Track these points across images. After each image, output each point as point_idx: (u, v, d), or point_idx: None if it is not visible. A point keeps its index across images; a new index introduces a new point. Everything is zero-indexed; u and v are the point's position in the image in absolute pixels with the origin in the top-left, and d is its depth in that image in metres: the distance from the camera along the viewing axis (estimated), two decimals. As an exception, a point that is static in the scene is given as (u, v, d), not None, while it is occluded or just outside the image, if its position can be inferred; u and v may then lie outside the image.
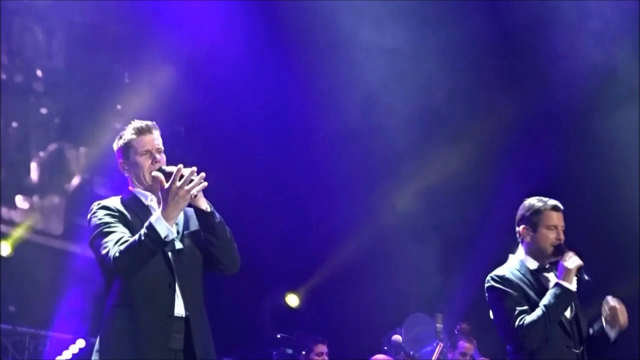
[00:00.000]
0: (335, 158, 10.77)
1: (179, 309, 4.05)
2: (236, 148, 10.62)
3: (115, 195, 4.28)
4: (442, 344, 7.59)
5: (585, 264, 4.68)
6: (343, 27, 10.42)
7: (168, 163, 4.21)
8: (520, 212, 4.84)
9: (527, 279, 4.72)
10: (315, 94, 10.69)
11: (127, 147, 4.23)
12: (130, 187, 4.26)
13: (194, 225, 4.19)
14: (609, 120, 9.77)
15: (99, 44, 10.50)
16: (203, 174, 3.98)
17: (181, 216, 4.15)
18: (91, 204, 4.22)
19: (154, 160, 4.19)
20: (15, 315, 9.52)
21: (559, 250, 4.72)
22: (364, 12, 10.44)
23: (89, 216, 4.17)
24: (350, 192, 10.75)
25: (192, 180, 3.94)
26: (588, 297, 4.85)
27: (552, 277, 4.76)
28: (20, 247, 9.60)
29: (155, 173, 4.10)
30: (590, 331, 4.80)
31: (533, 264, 4.77)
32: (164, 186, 3.96)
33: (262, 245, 9.71)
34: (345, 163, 10.74)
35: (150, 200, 4.21)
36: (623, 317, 4.71)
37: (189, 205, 4.06)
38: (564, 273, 4.63)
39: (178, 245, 4.11)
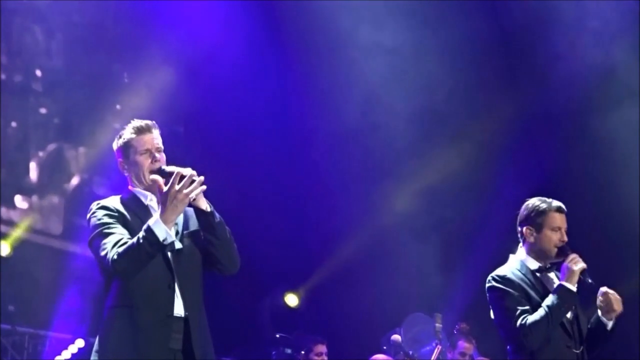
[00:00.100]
0: (335, 158, 10.77)
1: (179, 309, 4.04)
2: (236, 148, 10.62)
3: (115, 194, 4.27)
4: (440, 345, 7.59)
5: (585, 264, 4.67)
6: (343, 27, 10.43)
7: (168, 163, 4.20)
8: (523, 212, 4.81)
9: (528, 279, 4.71)
10: (315, 94, 10.70)
11: (126, 146, 4.22)
12: (130, 187, 4.25)
13: (194, 225, 4.18)
14: (608, 120, 9.76)
15: (99, 44, 10.49)
16: (202, 178, 3.97)
17: (181, 216, 4.13)
18: (90, 204, 4.21)
19: (154, 160, 4.18)
20: (14, 315, 9.50)
21: (563, 252, 4.71)
22: (364, 12, 10.45)
23: (88, 216, 4.16)
24: (350, 192, 10.75)
25: (191, 183, 3.93)
26: (589, 298, 4.84)
27: (553, 277, 4.76)
28: (19, 247, 9.59)
29: (153, 176, 4.09)
30: (589, 326, 4.79)
31: (534, 264, 4.76)
32: (162, 189, 3.95)
33: (262, 245, 9.71)
34: (345, 163, 10.74)
35: (149, 199, 4.20)
36: (617, 302, 4.70)
37: (189, 205, 4.05)
38: (568, 275, 4.62)
39: (177, 245, 4.09)
